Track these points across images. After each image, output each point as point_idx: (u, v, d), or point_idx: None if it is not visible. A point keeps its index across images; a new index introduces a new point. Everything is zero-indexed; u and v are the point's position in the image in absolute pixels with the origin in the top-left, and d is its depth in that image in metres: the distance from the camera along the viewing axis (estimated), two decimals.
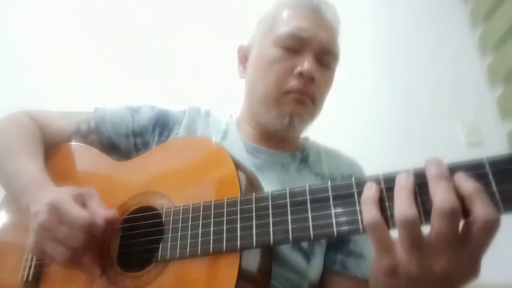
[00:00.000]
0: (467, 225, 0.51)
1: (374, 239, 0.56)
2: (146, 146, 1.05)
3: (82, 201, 0.78)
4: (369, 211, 0.56)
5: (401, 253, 0.54)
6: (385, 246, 0.56)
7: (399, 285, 0.56)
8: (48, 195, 0.79)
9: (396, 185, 0.56)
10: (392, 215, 0.56)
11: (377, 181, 0.59)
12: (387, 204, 0.57)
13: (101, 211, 0.77)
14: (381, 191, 0.58)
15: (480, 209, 0.50)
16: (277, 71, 0.97)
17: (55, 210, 0.74)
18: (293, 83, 0.96)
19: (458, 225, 0.51)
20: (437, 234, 0.51)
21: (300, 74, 0.95)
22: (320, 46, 0.98)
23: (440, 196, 0.51)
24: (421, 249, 0.53)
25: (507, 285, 1.39)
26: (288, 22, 1.00)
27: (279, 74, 0.97)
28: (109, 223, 0.77)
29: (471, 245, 0.52)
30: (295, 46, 0.97)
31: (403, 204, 0.53)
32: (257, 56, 1.04)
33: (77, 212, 0.74)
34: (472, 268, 0.53)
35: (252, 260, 0.71)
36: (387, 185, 0.58)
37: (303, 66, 0.95)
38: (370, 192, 0.58)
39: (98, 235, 0.76)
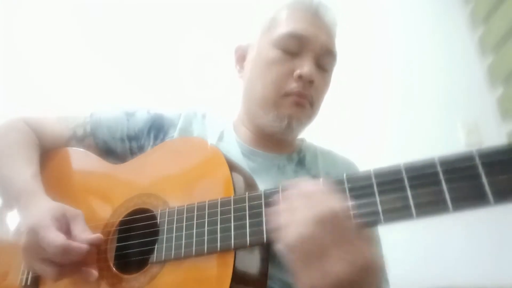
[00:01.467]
0: None
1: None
2: (141, 149, 1.05)
3: (65, 223, 0.78)
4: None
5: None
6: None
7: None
8: (33, 212, 0.79)
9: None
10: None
11: (368, 177, 0.60)
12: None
13: (83, 236, 0.77)
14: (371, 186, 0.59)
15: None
16: (276, 73, 0.96)
17: (34, 234, 0.75)
18: (292, 85, 0.95)
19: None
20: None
21: (300, 77, 0.95)
22: (320, 48, 0.98)
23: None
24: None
25: (506, 286, 1.38)
26: (288, 23, 0.99)
27: (278, 76, 0.96)
28: (93, 245, 0.77)
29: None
30: (294, 47, 0.97)
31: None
32: (256, 57, 1.03)
33: (52, 239, 0.73)
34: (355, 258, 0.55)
35: (248, 260, 0.71)
36: (378, 180, 0.59)
37: (303, 69, 0.94)
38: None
39: (79, 258, 0.75)
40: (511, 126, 2.01)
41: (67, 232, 0.77)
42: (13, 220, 0.99)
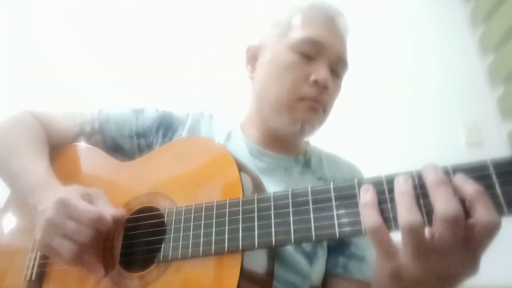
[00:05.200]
0: (468, 227, 0.51)
1: (376, 243, 0.56)
2: (149, 147, 1.05)
3: (89, 200, 0.79)
4: (369, 216, 0.56)
5: (404, 256, 0.54)
6: (387, 250, 0.56)
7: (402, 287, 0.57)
8: (56, 193, 0.79)
9: (395, 190, 0.55)
10: (394, 217, 0.56)
11: (379, 182, 0.59)
12: (389, 205, 0.57)
13: (109, 209, 0.77)
14: (382, 193, 0.58)
15: (482, 212, 0.50)
16: (292, 77, 0.97)
17: (63, 206, 0.75)
18: (307, 90, 0.96)
19: (461, 230, 0.51)
20: (441, 239, 0.51)
21: (315, 82, 0.96)
22: (336, 55, 0.99)
23: (442, 203, 0.51)
24: (425, 253, 0.53)
25: (506, 286, 1.39)
26: (304, 28, 0.99)
27: (294, 80, 0.97)
28: (116, 221, 0.78)
29: (473, 246, 0.52)
30: (311, 52, 0.97)
31: (405, 210, 0.53)
32: (270, 59, 1.03)
33: (85, 207, 0.74)
34: (472, 266, 0.54)
35: (255, 261, 0.71)
36: (389, 186, 0.58)
37: (319, 75, 0.95)
38: (367, 196, 0.57)
39: (105, 231, 0.76)
40: (511, 126, 2.02)
41: None
42: (11, 221, 1.00)
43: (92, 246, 0.75)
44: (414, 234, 0.52)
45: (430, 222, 0.53)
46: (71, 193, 0.78)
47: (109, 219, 0.75)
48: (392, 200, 0.57)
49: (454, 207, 0.50)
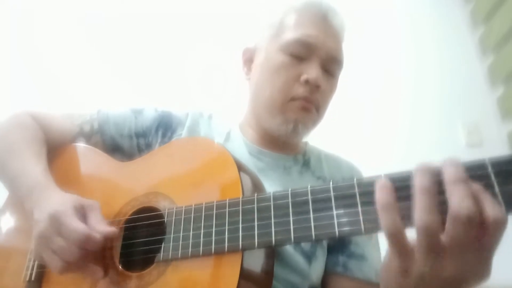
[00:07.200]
0: (479, 226, 0.51)
1: (392, 244, 0.55)
2: (149, 147, 1.05)
3: (83, 213, 0.78)
4: (389, 218, 0.53)
5: (416, 255, 0.54)
6: (402, 250, 0.54)
7: (410, 285, 0.56)
8: (51, 202, 0.79)
9: (416, 186, 0.53)
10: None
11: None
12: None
13: (100, 227, 0.76)
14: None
15: (489, 210, 0.50)
16: (283, 77, 0.97)
17: (55, 221, 0.75)
18: (299, 90, 0.96)
19: (474, 230, 0.50)
20: (453, 239, 0.51)
21: (307, 82, 0.95)
22: (327, 54, 0.98)
23: (458, 201, 0.50)
24: (437, 252, 0.52)
25: (506, 286, 1.38)
26: (296, 28, 0.99)
27: (286, 80, 0.97)
28: (107, 239, 0.77)
29: (483, 246, 0.52)
30: (302, 53, 0.97)
31: (424, 209, 0.51)
32: (263, 60, 1.03)
33: (75, 226, 0.73)
34: (483, 268, 0.54)
35: (254, 260, 0.71)
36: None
37: (310, 74, 0.95)
38: (385, 196, 0.54)
39: (94, 249, 0.75)
40: (511, 126, 2.02)
41: (84, 222, 0.77)
42: (10, 221, 0.99)
43: (81, 260, 0.75)
44: (430, 235, 0.51)
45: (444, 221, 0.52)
46: (65, 205, 0.77)
47: (98, 238, 0.74)
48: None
49: (468, 206, 0.49)
